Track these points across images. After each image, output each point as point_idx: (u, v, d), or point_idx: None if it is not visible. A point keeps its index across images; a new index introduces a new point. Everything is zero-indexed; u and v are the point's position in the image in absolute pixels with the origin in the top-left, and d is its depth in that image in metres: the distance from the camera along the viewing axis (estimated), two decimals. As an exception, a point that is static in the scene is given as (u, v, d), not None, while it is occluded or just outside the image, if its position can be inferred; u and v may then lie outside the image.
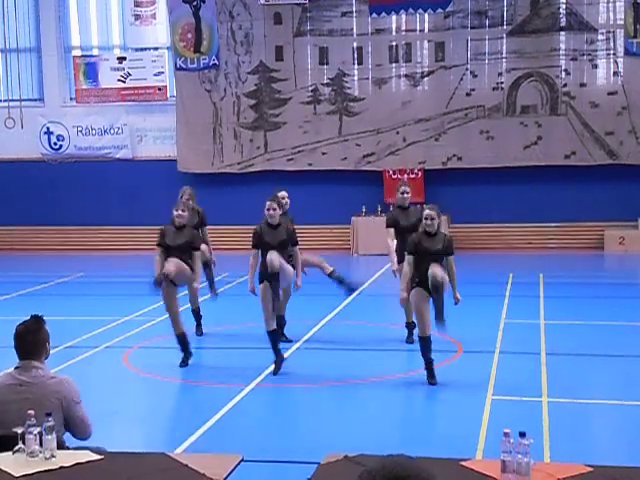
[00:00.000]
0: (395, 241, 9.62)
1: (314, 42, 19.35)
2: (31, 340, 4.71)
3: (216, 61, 19.69)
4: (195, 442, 6.72)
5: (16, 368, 4.74)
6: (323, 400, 8.00)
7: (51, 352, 4.88)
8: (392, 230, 9.68)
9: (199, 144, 19.80)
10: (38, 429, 4.17)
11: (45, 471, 4.07)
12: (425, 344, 8.30)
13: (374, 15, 18.98)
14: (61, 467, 4.12)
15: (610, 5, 18.32)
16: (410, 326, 9.75)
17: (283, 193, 10.18)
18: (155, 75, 20.21)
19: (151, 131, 20.47)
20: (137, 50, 20.43)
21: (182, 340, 9.14)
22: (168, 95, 20.32)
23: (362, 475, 1.98)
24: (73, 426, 4.74)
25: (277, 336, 9.03)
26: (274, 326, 8.84)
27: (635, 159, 18.40)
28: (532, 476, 3.88)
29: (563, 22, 18.50)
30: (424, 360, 8.34)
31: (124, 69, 20.27)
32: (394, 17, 19.07)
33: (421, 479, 1.96)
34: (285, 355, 9.21)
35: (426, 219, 8.33)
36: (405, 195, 9.73)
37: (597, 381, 8.54)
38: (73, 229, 20.71)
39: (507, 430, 3.95)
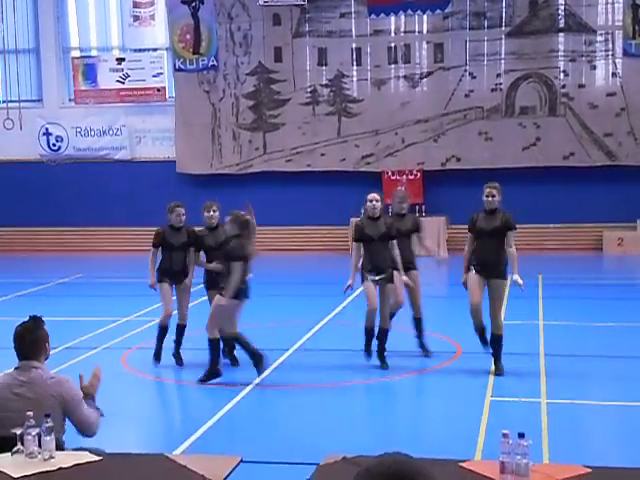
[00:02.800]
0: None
1: (313, 43, 19.35)
2: (30, 340, 4.72)
3: (215, 62, 19.69)
4: (194, 443, 6.71)
5: (16, 369, 4.76)
6: (321, 401, 8.00)
7: (50, 353, 4.89)
8: (469, 235, 8.82)
9: (198, 145, 19.81)
10: (37, 430, 4.17)
11: (44, 472, 4.07)
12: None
13: (373, 16, 18.99)
14: (60, 468, 4.12)
15: (609, 6, 18.34)
16: (481, 331, 8.87)
17: (374, 195, 9.15)
18: (154, 76, 20.22)
19: (150, 132, 20.47)
20: (136, 51, 20.44)
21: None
22: (167, 96, 20.32)
23: (360, 473, 1.98)
24: (77, 424, 4.75)
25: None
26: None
27: (634, 160, 18.41)
28: (531, 477, 3.89)
29: (562, 23, 18.52)
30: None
31: (123, 70, 20.28)
32: (393, 18, 19.08)
33: (419, 475, 1.96)
34: (283, 356, 9.21)
35: (487, 196, 8.52)
36: (490, 198, 8.62)
37: (596, 382, 8.54)
38: (72, 230, 20.70)
39: (506, 431, 3.95)
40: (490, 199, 8.57)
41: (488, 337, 8.73)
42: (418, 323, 9.45)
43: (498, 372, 8.59)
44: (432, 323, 9.09)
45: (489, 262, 8.50)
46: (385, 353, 8.97)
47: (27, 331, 4.75)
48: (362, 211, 9.78)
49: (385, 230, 8.85)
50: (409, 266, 9.17)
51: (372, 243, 8.82)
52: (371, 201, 8.93)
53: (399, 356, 9.21)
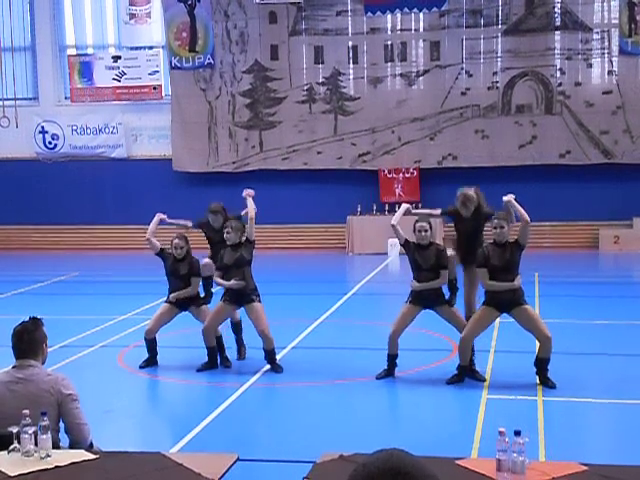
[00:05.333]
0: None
1: (309, 41, 19.35)
2: (28, 340, 4.73)
3: (211, 60, 19.68)
4: (190, 441, 6.71)
5: (13, 367, 4.76)
6: (318, 399, 8.00)
7: (47, 355, 4.88)
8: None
9: (194, 143, 19.79)
10: (33, 428, 4.16)
11: (40, 470, 4.06)
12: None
13: (369, 14, 18.99)
14: (56, 466, 4.11)
15: (605, 4, 18.36)
16: (465, 370, 8.30)
17: (422, 225, 8.33)
18: (150, 74, 20.20)
19: (146, 130, 20.46)
20: (132, 49, 20.41)
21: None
22: (163, 94, 20.31)
23: (357, 469, 1.97)
24: (69, 425, 4.69)
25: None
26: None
27: (630, 158, 18.44)
28: (527, 475, 3.89)
29: (558, 21, 18.54)
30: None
31: (119, 68, 20.26)
32: (389, 16, 19.09)
33: (417, 470, 1.96)
34: (280, 355, 9.22)
35: (495, 228, 8.05)
36: (498, 230, 8.09)
37: (591, 380, 8.55)
38: (68, 228, 20.69)
39: (502, 429, 3.96)
40: (499, 230, 8.04)
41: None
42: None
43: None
44: (428, 321, 9.08)
45: (505, 298, 8.05)
46: (474, 367, 8.37)
47: (26, 331, 4.75)
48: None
49: (434, 261, 8.30)
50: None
51: (421, 272, 8.35)
52: (420, 231, 8.30)
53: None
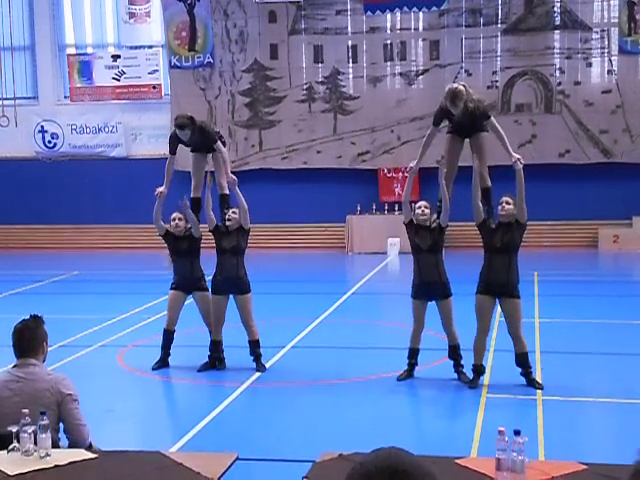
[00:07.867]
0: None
1: (309, 40, 19.35)
2: (28, 338, 4.72)
3: (211, 59, 19.68)
4: (190, 441, 6.71)
5: (14, 366, 4.76)
6: (318, 399, 8.00)
7: (47, 353, 4.87)
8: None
9: (193, 142, 19.76)
10: (33, 428, 4.16)
11: (40, 470, 4.06)
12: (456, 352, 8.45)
13: (369, 13, 18.98)
14: (56, 466, 4.11)
15: (604, 4, 18.36)
16: (479, 369, 8.27)
17: (423, 202, 8.89)
18: (150, 73, 20.20)
19: (145, 129, 20.45)
20: (131, 48, 20.41)
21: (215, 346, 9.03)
22: (163, 93, 20.30)
23: (355, 467, 1.98)
24: (69, 426, 4.68)
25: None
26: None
27: (629, 157, 18.44)
28: (526, 474, 3.90)
29: (557, 20, 18.54)
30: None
31: (118, 67, 20.26)
32: (389, 15, 19.08)
33: (415, 468, 1.96)
34: (279, 354, 9.22)
35: (500, 203, 8.20)
36: (506, 206, 8.34)
37: (591, 379, 8.55)
38: (67, 228, 20.68)
39: (502, 428, 3.96)
40: (505, 206, 8.13)
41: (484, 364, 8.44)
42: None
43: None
44: (428, 321, 9.08)
45: (499, 281, 8.00)
46: (462, 369, 8.41)
47: (26, 329, 4.74)
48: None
49: (432, 241, 8.33)
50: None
51: (420, 253, 8.33)
52: (419, 207, 8.41)
53: (394, 353, 9.21)
